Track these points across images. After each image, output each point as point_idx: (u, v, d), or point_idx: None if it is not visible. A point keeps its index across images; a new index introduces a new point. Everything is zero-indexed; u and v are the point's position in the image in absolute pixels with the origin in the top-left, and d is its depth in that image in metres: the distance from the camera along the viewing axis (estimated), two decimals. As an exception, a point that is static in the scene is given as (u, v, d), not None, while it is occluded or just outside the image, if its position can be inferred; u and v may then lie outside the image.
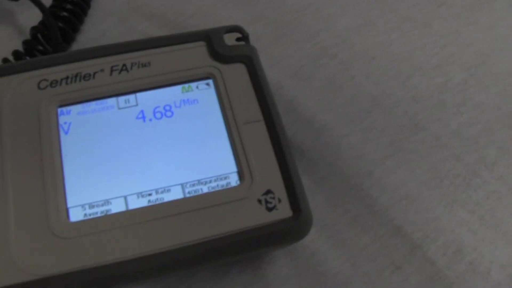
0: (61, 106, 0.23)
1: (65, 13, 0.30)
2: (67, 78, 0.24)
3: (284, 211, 0.22)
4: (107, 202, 0.22)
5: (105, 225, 0.21)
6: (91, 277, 0.20)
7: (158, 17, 0.33)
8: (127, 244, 0.21)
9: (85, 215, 0.21)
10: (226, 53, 0.25)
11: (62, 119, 0.23)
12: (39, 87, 0.24)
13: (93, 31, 0.32)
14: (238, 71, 0.25)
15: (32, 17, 0.32)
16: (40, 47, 0.29)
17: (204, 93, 0.24)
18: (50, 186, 0.21)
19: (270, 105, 0.24)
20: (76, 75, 0.24)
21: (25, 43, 0.30)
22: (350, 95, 0.30)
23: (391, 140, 0.30)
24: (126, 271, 0.20)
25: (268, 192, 0.22)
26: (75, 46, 0.32)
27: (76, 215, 0.21)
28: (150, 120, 0.24)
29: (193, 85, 0.25)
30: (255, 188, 0.22)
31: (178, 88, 0.24)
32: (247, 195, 0.22)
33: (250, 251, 0.22)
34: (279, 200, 0.22)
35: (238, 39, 0.26)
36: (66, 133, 0.23)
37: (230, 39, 0.26)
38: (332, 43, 0.32)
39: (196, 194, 0.22)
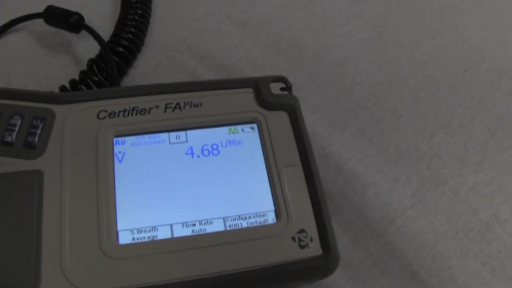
0: (117, 136, 0.26)
1: (121, 49, 0.33)
2: (124, 110, 0.26)
3: (315, 249, 0.24)
4: (154, 228, 0.24)
5: (151, 249, 0.23)
6: None
7: (207, 59, 0.35)
8: (169, 269, 0.22)
9: (133, 239, 0.23)
10: (271, 100, 0.27)
11: (117, 149, 0.25)
12: (98, 117, 0.26)
13: (145, 67, 0.34)
14: (281, 118, 0.27)
15: (89, 49, 0.35)
16: (96, 78, 0.32)
17: (248, 136, 0.27)
18: (103, 210, 0.23)
19: (307, 151, 0.26)
20: (133, 109, 0.26)
21: (81, 73, 0.32)
22: (379, 147, 0.33)
23: (414, 191, 0.31)
24: None
25: (302, 231, 0.24)
26: (127, 80, 0.34)
27: (125, 238, 0.23)
28: (198, 156, 0.26)
29: (239, 127, 0.27)
30: (290, 226, 0.24)
31: (225, 129, 0.27)
32: (282, 233, 0.24)
33: (281, 284, 0.24)
34: (311, 239, 0.24)
35: (282, 89, 0.28)
36: (120, 161, 0.25)
37: (275, 88, 0.28)
38: (365, 97, 0.34)
39: (236, 228, 0.24)
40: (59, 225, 0.23)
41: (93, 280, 0.22)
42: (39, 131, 0.25)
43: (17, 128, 0.25)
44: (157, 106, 0.27)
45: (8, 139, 0.24)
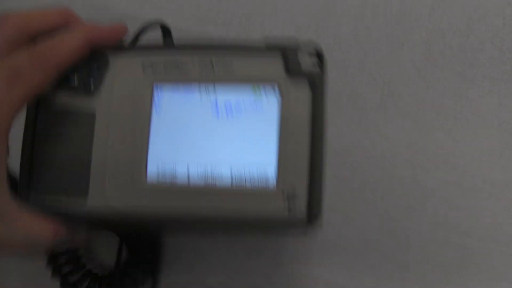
0: (157, 84, 0.30)
1: None
2: (165, 63, 0.30)
3: (299, 206, 0.28)
4: (175, 170, 0.29)
5: (170, 187, 0.29)
6: (151, 217, 0.29)
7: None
8: (181, 202, 0.28)
9: (159, 175, 0.29)
10: (297, 69, 0.29)
11: (156, 96, 0.30)
12: (143, 67, 0.30)
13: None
14: (303, 87, 0.29)
15: None
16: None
17: (270, 99, 0.29)
18: (138, 147, 0.29)
19: (318, 123, 0.28)
20: (172, 63, 0.30)
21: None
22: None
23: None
24: (174, 220, 0.29)
25: (293, 192, 0.28)
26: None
27: (152, 174, 0.29)
28: (222, 111, 0.29)
29: (262, 89, 0.29)
30: (284, 186, 0.28)
31: (250, 89, 0.29)
32: (276, 190, 0.28)
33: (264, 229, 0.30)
34: (298, 197, 0.28)
35: (311, 56, 0.29)
36: (157, 108, 0.30)
37: (305, 57, 0.29)
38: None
39: (240, 186, 0.28)
40: (104, 153, 0.29)
41: (124, 201, 0.29)
42: (95, 76, 0.30)
43: (78, 73, 0.30)
44: (192, 62, 0.30)
45: (72, 81, 0.30)
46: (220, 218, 0.28)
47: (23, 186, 0.29)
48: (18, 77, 0.26)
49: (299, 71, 0.29)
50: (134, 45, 0.32)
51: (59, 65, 0.27)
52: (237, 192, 0.28)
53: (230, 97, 0.30)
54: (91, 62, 0.30)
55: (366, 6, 0.39)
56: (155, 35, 0.35)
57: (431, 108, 0.38)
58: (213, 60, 0.30)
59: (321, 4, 0.40)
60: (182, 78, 0.30)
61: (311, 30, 0.39)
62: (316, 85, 0.29)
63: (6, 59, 0.26)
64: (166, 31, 0.35)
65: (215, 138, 0.29)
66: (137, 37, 0.34)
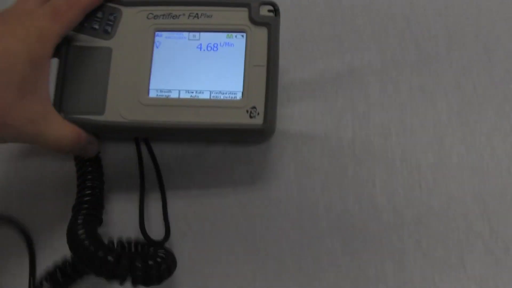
0: (157, 30, 0.41)
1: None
2: (163, 15, 0.41)
3: (259, 119, 0.38)
4: (169, 91, 0.40)
5: (166, 103, 0.39)
6: (153, 128, 0.39)
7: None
8: (174, 115, 0.39)
9: (157, 95, 0.40)
10: (257, 19, 0.40)
11: (156, 39, 0.41)
12: (147, 17, 0.41)
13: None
14: (262, 32, 0.40)
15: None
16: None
17: (238, 41, 0.40)
18: (142, 75, 0.40)
19: (272, 58, 0.39)
20: (169, 14, 0.41)
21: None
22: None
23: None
24: (168, 129, 0.39)
25: (254, 107, 0.39)
26: None
27: (152, 93, 0.40)
28: (204, 50, 0.40)
29: (233, 34, 0.40)
30: (247, 103, 0.39)
31: (224, 34, 0.40)
32: (242, 106, 0.39)
33: (235, 136, 0.40)
34: (258, 113, 0.38)
35: (269, 11, 0.40)
36: (157, 47, 0.41)
37: (264, 10, 0.40)
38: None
39: (215, 98, 0.39)
40: (117, 80, 0.40)
41: (132, 115, 0.39)
42: (111, 23, 0.41)
43: (101, 19, 0.41)
44: (183, 14, 0.41)
45: (94, 25, 0.41)
46: (201, 124, 0.39)
47: (56, 107, 0.40)
48: (58, 15, 0.37)
49: (259, 19, 0.40)
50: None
51: (86, 7, 0.39)
52: (214, 104, 0.39)
53: (210, 40, 0.41)
54: (108, 12, 0.41)
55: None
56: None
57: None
58: (198, 13, 0.41)
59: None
60: (176, 26, 0.41)
61: None
62: (271, 28, 0.40)
63: (49, 1, 0.37)
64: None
65: (199, 67, 0.40)
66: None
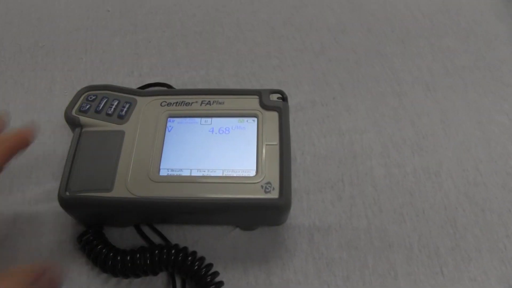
0: (170, 117, 0.42)
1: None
2: (176, 103, 0.43)
3: (274, 194, 0.37)
4: (180, 170, 0.39)
5: (176, 180, 0.39)
6: (163, 202, 0.37)
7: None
8: (185, 192, 0.38)
9: (168, 173, 0.39)
10: (268, 104, 0.42)
11: (169, 124, 0.42)
12: (161, 105, 0.43)
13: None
14: (273, 116, 0.42)
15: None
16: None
17: (250, 125, 0.42)
18: (154, 156, 0.40)
19: (284, 137, 0.40)
20: (182, 102, 0.43)
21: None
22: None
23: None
24: (180, 205, 0.38)
25: (268, 183, 0.38)
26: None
27: (163, 172, 0.39)
28: (216, 133, 0.41)
29: (245, 119, 0.42)
30: (261, 179, 0.38)
31: (236, 119, 0.42)
32: (256, 181, 0.38)
33: (251, 210, 0.38)
34: (273, 188, 0.38)
35: (278, 98, 0.43)
36: (169, 131, 0.42)
37: (273, 97, 0.43)
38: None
39: (228, 175, 0.39)
40: (128, 160, 0.40)
41: (141, 191, 0.38)
42: (126, 109, 0.42)
43: (114, 106, 0.42)
44: (196, 102, 0.43)
45: (109, 111, 0.42)
46: (214, 199, 0.37)
47: (62, 189, 0.38)
48: None
49: (270, 104, 0.42)
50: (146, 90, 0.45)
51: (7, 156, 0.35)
52: (227, 180, 0.38)
53: (222, 125, 0.42)
54: (124, 101, 0.43)
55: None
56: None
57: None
58: (210, 100, 0.43)
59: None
60: (188, 112, 0.43)
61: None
62: (282, 111, 0.42)
63: None
64: (169, 86, 0.49)
65: (210, 148, 0.41)
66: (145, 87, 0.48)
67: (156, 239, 0.42)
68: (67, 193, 0.38)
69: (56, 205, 0.39)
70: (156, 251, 0.39)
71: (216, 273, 0.39)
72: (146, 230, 0.43)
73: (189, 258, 0.39)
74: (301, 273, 0.40)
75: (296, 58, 0.55)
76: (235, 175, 0.39)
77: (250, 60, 0.55)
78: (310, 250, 0.41)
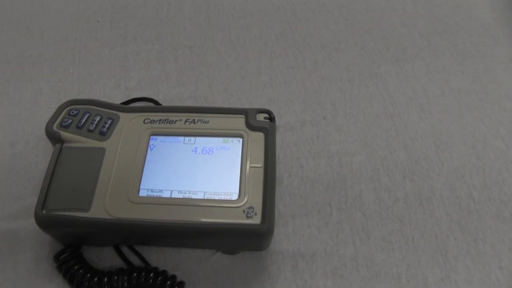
0: (152, 134, 0.41)
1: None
2: (160, 120, 0.41)
3: (256, 219, 0.36)
4: (161, 191, 0.38)
5: (156, 201, 0.37)
6: (141, 225, 0.36)
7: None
8: (165, 214, 0.36)
9: (148, 194, 0.38)
10: (254, 124, 0.41)
11: (151, 142, 0.41)
12: (144, 122, 0.41)
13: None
14: (259, 136, 0.40)
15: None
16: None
17: (235, 145, 0.40)
18: (134, 175, 0.38)
19: (269, 159, 0.39)
20: (165, 120, 0.42)
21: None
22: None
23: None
24: (159, 228, 0.36)
25: (251, 207, 0.37)
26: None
27: (143, 193, 0.38)
28: (199, 153, 0.40)
29: (230, 139, 0.41)
30: (244, 203, 0.37)
31: (220, 139, 0.41)
32: (238, 205, 0.37)
33: (232, 236, 0.37)
34: (255, 213, 0.36)
35: (265, 118, 0.42)
36: (151, 150, 0.40)
37: (260, 116, 0.42)
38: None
39: (210, 197, 0.37)
40: (108, 179, 0.38)
41: (119, 212, 0.37)
42: (107, 125, 0.41)
43: (96, 122, 0.41)
44: (180, 120, 0.42)
45: (91, 127, 0.41)
46: (194, 223, 0.36)
47: (39, 207, 0.37)
48: None
49: (256, 124, 0.41)
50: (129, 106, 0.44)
51: None
52: (208, 203, 0.37)
53: (205, 144, 0.41)
54: (106, 117, 0.41)
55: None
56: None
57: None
58: (195, 119, 0.42)
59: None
60: (171, 130, 0.41)
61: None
62: (268, 132, 0.40)
63: None
64: (155, 102, 0.48)
65: (193, 169, 0.39)
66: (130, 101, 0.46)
67: (136, 261, 0.40)
68: (44, 211, 0.37)
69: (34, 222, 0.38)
70: (134, 274, 0.38)
71: None
72: (126, 251, 0.41)
73: (168, 282, 0.37)
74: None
75: (288, 75, 0.54)
76: (217, 198, 0.37)
77: (240, 77, 0.53)
78: (294, 278, 0.40)
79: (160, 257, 0.41)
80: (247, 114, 0.42)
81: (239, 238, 0.37)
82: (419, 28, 0.59)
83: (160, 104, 0.48)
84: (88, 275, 0.38)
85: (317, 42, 0.57)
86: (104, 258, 0.41)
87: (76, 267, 0.39)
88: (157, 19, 0.60)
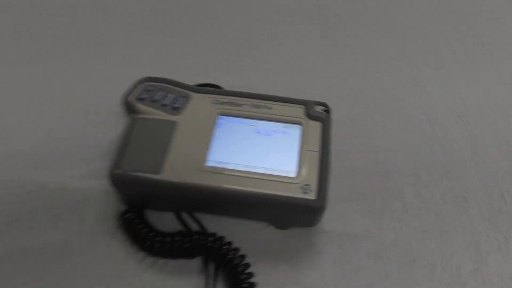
0: (220, 114, 0.45)
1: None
2: (228, 102, 0.46)
3: (311, 195, 0.40)
4: (226, 163, 0.42)
5: (221, 171, 0.41)
6: (207, 190, 0.40)
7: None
8: (228, 182, 0.41)
9: (214, 165, 0.42)
10: (313, 114, 0.45)
11: (219, 121, 0.45)
12: (212, 103, 0.46)
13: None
14: (316, 125, 0.45)
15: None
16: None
17: (294, 130, 0.44)
18: (203, 148, 0.43)
19: (325, 145, 0.43)
20: (232, 103, 0.46)
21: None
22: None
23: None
24: (222, 194, 0.40)
25: (307, 185, 0.41)
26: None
27: (210, 163, 0.42)
28: (262, 134, 0.44)
29: (290, 125, 0.45)
30: (301, 180, 0.41)
31: (282, 124, 0.45)
32: (295, 182, 0.41)
33: (288, 208, 0.41)
34: (311, 190, 0.40)
35: (323, 110, 0.46)
36: (218, 127, 0.45)
37: (318, 108, 0.46)
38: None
39: (271, 173, 0.41)
40: (179, 148, 0.42)
41: (187, 177, 0.41)
42: (180, 103, 0.45)
43: (169, 99, 0.46)
44: (246, 104, 0.46)
45: (165, 103, 0.45)
46: (255, 193, 0.40)
47: (114, 166, 0.41)
48: None
49: (315, 114, 0.45)
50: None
51: None
52: (268, 177, 0.41)
53: (268, 127, 0.45)
54: (179, 95, 0.46)
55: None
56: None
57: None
58: (259, 104, 0.46)
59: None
60: (237, 112, 0.45)
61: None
62: (325, 122, 0.45)
63: None
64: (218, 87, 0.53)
65: (255, 148, 0.43)
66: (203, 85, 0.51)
67: (194, 228, 0.44)
68: (119, 171, 0.41)
69: (102, 183, 0.43)
70: (195, 236, 0.42)
71: (247, 265, 0.41)
72: (185, 217, 0.45)
73: (224, 247, 0.41)
74: (328, 276, 0.42)
75: (333, 73, 0.59)
76: (276, 173, 0.42)
77: (299, 74, 0.59)
78: (339, 255, 0.43)
79: (216, 226, 0.44)
80: (307, 104, 0.46)
81: (295, 211, 0.41)
82: (458, 38, 0.64)
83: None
84: (151, 234, 0.42)
85: (359, 44, 0.62)
86: (164, 222, 0.45)
87: (140, 226, 0.43)
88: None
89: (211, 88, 0.48)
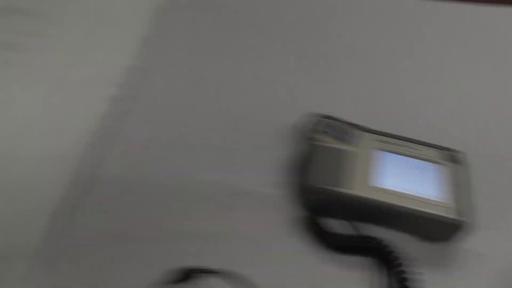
0: (383, 150, 0.59)
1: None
2: (391, 143, 0.60)
3: (455, 215, 0.53)
4: (393, 186, 0.55)
5: (390, 192, 0.54)
6: (378, 204, 0.54)
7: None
8: (394, 200, 0.54)
9: (385, 187, 0.55)
10: (455, 159, 0.58)
11: (385, 155, 0.58)
12: (379, 141, 0.60)
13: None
14: (458, 167, 0.58)
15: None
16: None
17: (441, 168, 0.57)
18: (375, 173, 0.56)
19: (469, 183, 0.56)
20: (395, 143, 0.60)
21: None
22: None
23: None
24: (389, 208, 0.54)
25: (459, 210, 0.53)
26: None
27: (381, 185, 0.55)
28: (420, 169, 0.57)
29: (437, 165, 0.58)
30: (452, 206, 0.54)
31: (431, 164, 0.58)
32: (447, 206, 0.53)
33: (434, 224, 0.53)
34: (457, 212, 0.53)
35: (460, 155, 0.59)
36: (384, 159, 0.58)
37: (458, 154, 0.59)
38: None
39: (428, 199, 0.54)
40: (354, 171, 0.56)
41: (367, 193, 0.54)
42: (352, 137, 0.59)
43: (344, 133, 0.60)
44: (398, 143, 0.60)
45: (340, 136, 0.59)
46: (412, 211, 0.53)
47: (307, 179, 0.55)
48: None
49: (456, 161, 0.59)
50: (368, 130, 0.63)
51: None
52: (423, 200, 0.54)
53: (424, 165, 0.58)
54: (353, 132, 0.60)
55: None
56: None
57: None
58: (410, 145, 0.60)
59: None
60: (396, 150, 0.59)
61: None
62: (466, 165, 0.58)
63: None
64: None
65: (415, 180, 0.56)
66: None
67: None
68: (312, 183, 0.54)
69: (278, 193, 0.58)
70: (370, 240, 0.54)
71: (413, 271, 0.52)
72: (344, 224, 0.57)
73: (392, 252, 0.53)
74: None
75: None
76: (431, 198, 0.54)
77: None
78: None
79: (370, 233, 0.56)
80: (450, 151, 0.60)
81: (439, 227, 0.54)
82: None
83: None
84: (335, 234, 0.55)
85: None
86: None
87: (324, 228, 0.55)
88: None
89: (375, 129, 0.62)
